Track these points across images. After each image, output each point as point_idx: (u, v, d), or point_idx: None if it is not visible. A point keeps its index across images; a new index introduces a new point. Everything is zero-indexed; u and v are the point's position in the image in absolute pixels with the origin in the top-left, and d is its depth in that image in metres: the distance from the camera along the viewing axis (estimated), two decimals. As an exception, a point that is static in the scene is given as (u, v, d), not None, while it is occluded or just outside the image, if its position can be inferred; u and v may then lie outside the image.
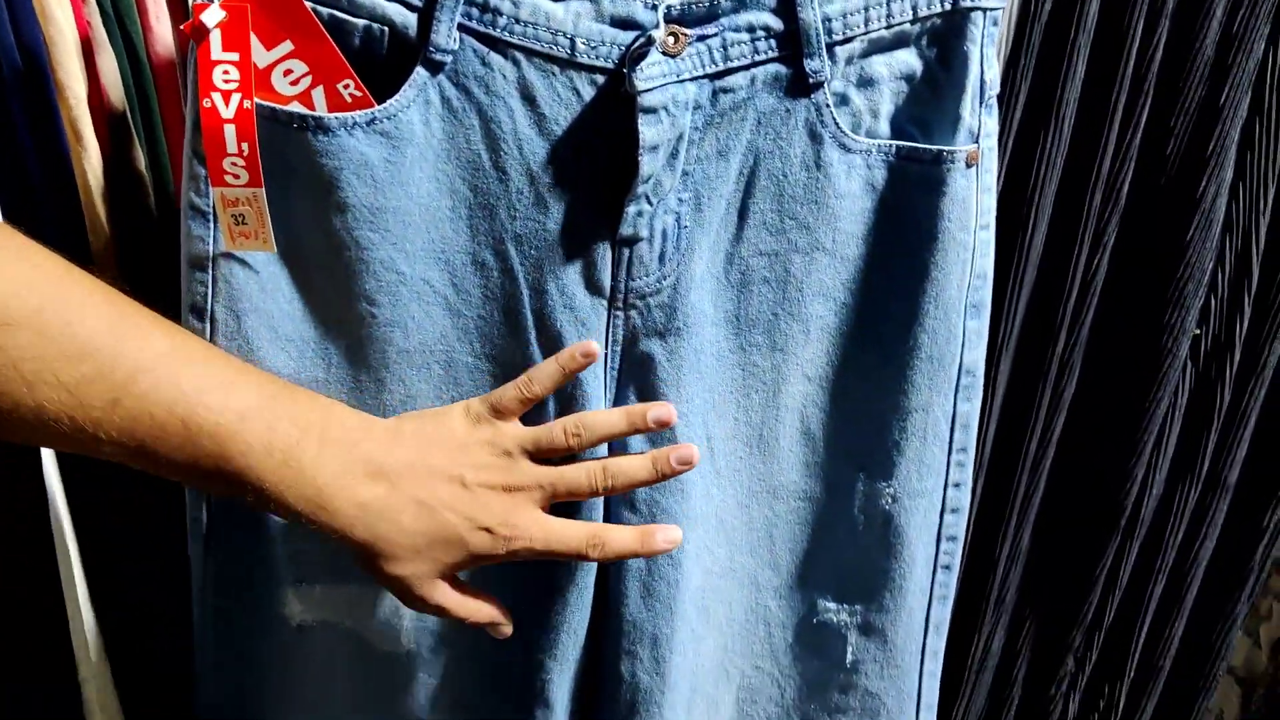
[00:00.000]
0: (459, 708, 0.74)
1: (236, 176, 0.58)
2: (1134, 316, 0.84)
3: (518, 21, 0.58)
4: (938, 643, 0.77)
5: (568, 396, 0.65)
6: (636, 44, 0.58)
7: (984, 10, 0.62)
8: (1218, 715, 1.29)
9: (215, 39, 0.56)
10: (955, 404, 0.70)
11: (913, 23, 0.62)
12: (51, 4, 0.64)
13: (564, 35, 0.59)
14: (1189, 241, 0.81)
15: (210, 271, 0.62)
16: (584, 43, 0.59)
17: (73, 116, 0.65)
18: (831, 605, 0.75)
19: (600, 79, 0.60)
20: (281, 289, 0.63)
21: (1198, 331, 0.85)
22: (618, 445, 0.68)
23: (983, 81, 0.63)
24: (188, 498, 0.67)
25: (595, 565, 0.69)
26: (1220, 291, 0.85)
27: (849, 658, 0.76)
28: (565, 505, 0.66)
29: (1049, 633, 0.97)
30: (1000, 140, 0.75)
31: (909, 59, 0.63)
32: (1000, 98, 0.70)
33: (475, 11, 0.58)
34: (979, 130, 0.63)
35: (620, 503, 0.68)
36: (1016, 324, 0.83)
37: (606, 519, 0.68)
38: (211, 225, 0.61)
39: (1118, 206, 0.81)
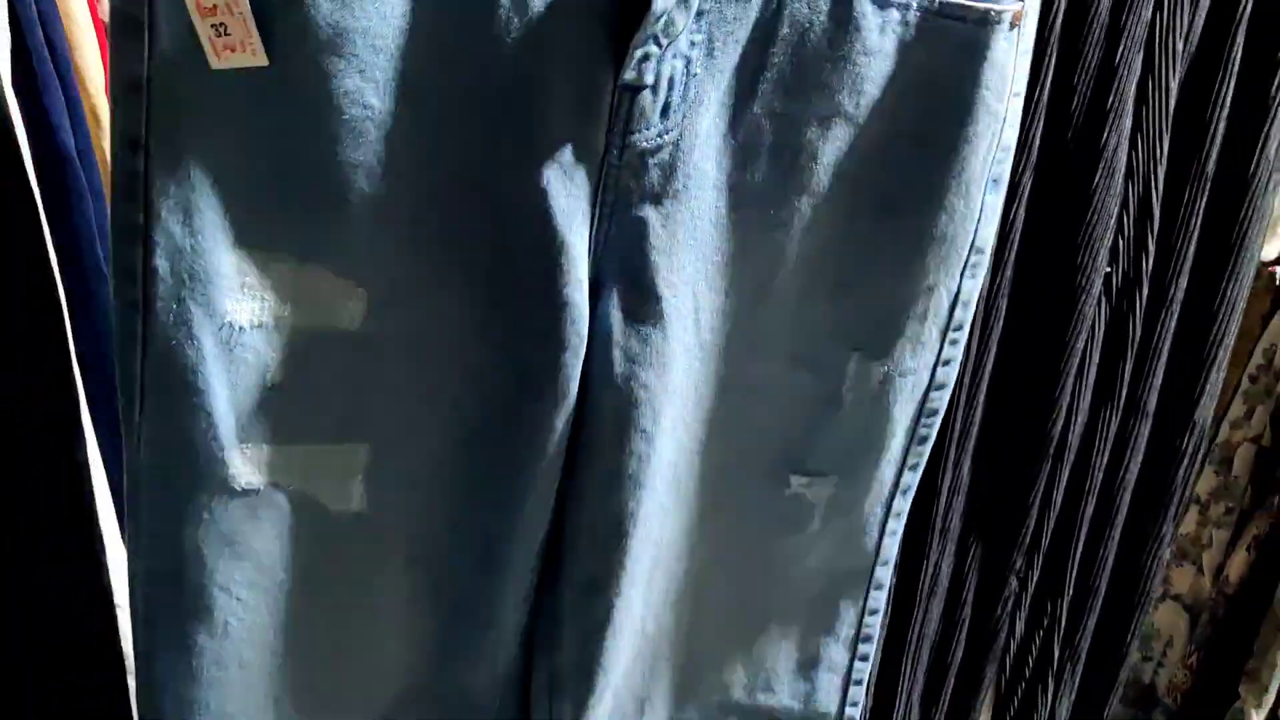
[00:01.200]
0: (415, 568, 0.68)
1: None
2: (1050, 258, 0.92)
3: None
4: (903, 504, 0.76)
5: (548, 262, 0.58)
6: None
7: None
8: (1167, 642, 1.38)
9: None
10: (960, 284, 0.67)
11: None
12: (71, 2, 0.70)
13: None
14: (1094, 188, 0.88)
15: (145, 94, 0.51)
16: None
17: (93, 103, 0.70)
18: (804, 479, 0.72)
19: None
20: (230, 119, 0.53)
21: (1108, 270, 0.93)
22: (602, 329, 0.61)
23: None
24: (116, 352, 0.58)
25: (562, 444, 0.64)
26: (1127, 233, 0.93)
27: (815, 527, 0.74)
28: (543, 371, 0.60)
29: (993, 556, 1.05)
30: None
31: None
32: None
33: None
34: None
35: (598, 378, 0.62)
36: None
37: (581, 394, 0.62)
38: (146, 38, 0.50)
39: (1030, 160, 0.89)
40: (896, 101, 0.60)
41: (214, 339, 0.57)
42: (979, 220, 0.65)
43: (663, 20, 0.53)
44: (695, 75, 0.57)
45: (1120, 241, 0.92)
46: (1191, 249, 0.93)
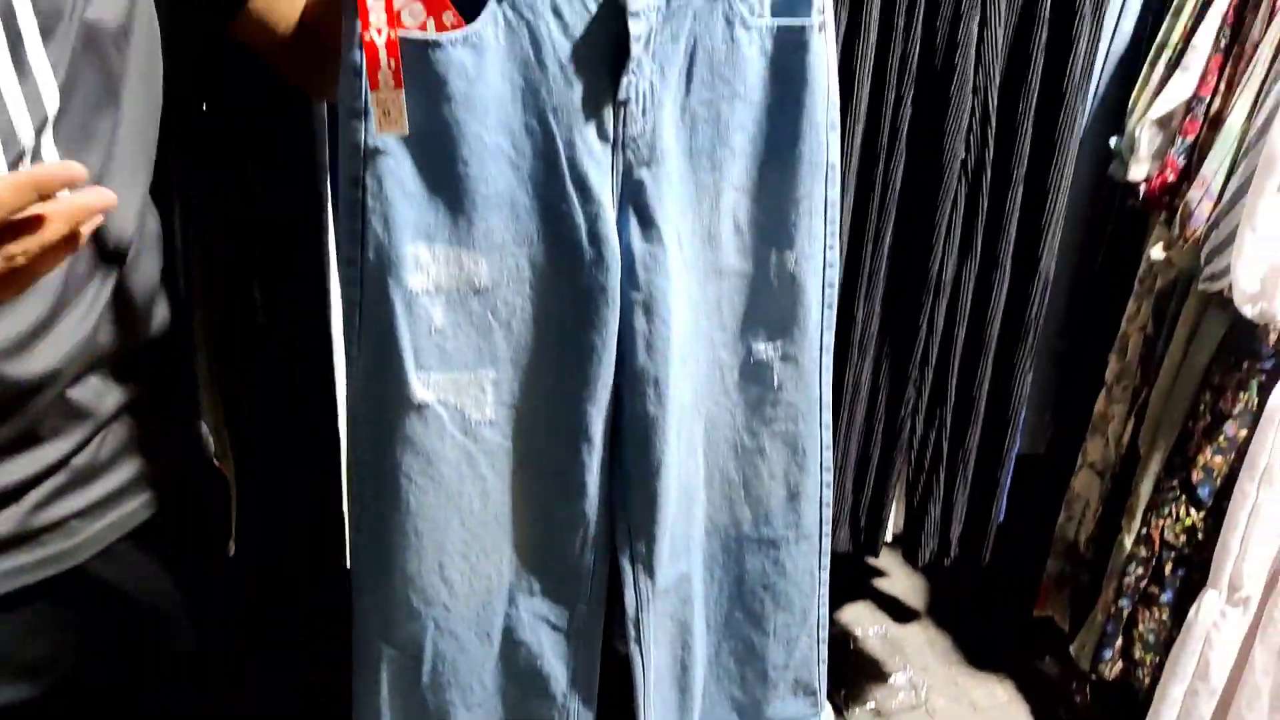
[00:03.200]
0: (528, 452, 1.06)
1: (386, 83, 0.88)
2: (925, 147, 1.32)
3: None
4: (828, 359, 1.14)
5: (591, 215, 0.97)
6: None
7: None
8: (1084, 504, 1.66)
9: (370, -4, 0.88)
10: (827, 192, 1.06)
11: None
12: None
13: None
14: (950, 99, 1.30)
15: (362, 152, 0.92)
16: None
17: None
18: (762, 346, 1.10)
19: None
20: (408, 161, 0.93)
21: (964, 157, 1.34)
22: (628, 253, 1.00)
23: None
24: (343, 308, 0.98)
25: (615, 334, 1.01)
26: (975, 132, 1.33)
27: (775, 381, 1.11)
28: (597, 288, 0.99)
29: (897, 368, 1.45)
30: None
31: None
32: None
33: (521, -39, 0.91)
34: (823, 8, 1.00)
35: (627, 286, 1.00)
36: (854, 156, 1.31)
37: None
38: (363, 119, 0.90)
39: (910, 81, 1.30)
40: (767, 84, 1.01)
41: (401, 301, 0.95)
42: (827, 150, 1.05)
43: (636, 61, 0.95)
44: (655, 89, 0.98)
45: (971, 138, 1.32)
46: (1027, 146, 1.33)
